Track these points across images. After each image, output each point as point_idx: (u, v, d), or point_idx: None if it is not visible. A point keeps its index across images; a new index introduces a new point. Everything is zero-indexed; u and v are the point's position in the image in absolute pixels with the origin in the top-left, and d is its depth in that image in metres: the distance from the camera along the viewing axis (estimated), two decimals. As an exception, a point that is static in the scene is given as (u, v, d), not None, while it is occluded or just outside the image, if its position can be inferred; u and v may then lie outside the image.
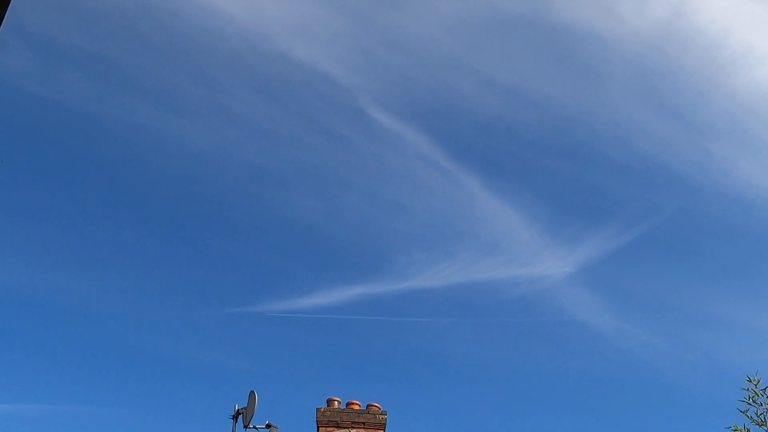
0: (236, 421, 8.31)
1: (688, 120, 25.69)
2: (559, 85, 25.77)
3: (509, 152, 26.63)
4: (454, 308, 27.16)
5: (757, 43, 24.43)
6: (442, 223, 27.33)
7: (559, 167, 26.65)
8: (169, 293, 26.55)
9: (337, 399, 13.20)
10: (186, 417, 24.36)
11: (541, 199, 26.99)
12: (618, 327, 26.38)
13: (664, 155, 26.03)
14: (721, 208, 26.52)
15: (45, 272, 25.17)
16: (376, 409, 13.05)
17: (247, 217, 27.05)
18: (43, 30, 22.46)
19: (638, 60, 25.24)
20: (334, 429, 12.58)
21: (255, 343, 26.27)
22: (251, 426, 8.30)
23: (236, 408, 8.35)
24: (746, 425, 8.51)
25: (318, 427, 12.75)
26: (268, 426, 8.51)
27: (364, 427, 12.65)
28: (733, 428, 6.60)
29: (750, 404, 8.97)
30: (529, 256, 26.44)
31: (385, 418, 12.92)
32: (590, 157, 26.58)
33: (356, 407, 13.07)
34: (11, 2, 5.06)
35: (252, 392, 8.24)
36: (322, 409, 12.93)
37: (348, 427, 12.59)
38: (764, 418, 8.57)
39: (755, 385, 9.19)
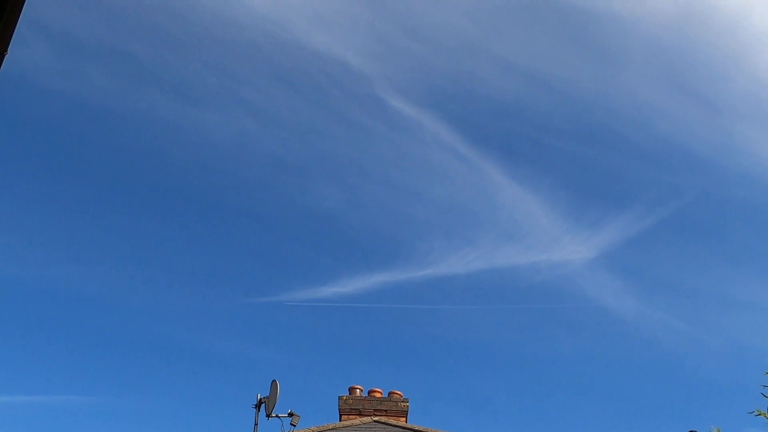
0: (259, 410, 8.36)
1: (709, 101, 25.34)
2: (577, 68, 25.51)
3: (528, 137, 26.42)
4: (475, 295, 27.08)
5: (779, 22, 24.03)
6: (461, 209, 27.22)
7: (579, 151, 26.40)
8: (191, 284, 26.72)
9: (359, 387, 13.25)
10: (209, 407, 24.57)
11: (560, 184, 26.78)
12: (640, 312, 26.19)
13: (684, 137, 25.71)
14: (743, 189, 26.16)
15: (68, 264, 25.42)
16: (398, 396, 13.08)
17: (267, 207, 27.10)
18: (61, 24, 22.55)
19: (657, 41, 24.92)
20: (357, 416, 12.63)
21: (277, 332, 26.41)
22: (274, 415, 8.35)
23: (258, 397, 8.40)
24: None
25: (340, 415, 12.81)
26: (291, 415, 8.55)
27: (386, 415, 12.68)
28: (756, 413, 6.53)
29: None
30: (550, 242, 26.27)
31: (407, 406, 12.94)
32: (610, 140, 26.32)
33: (378, 395, 13.10)
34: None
35: (274, 381, 8.28)
36: (344, 397, 12.98)
37: (370, 415, 12.63)
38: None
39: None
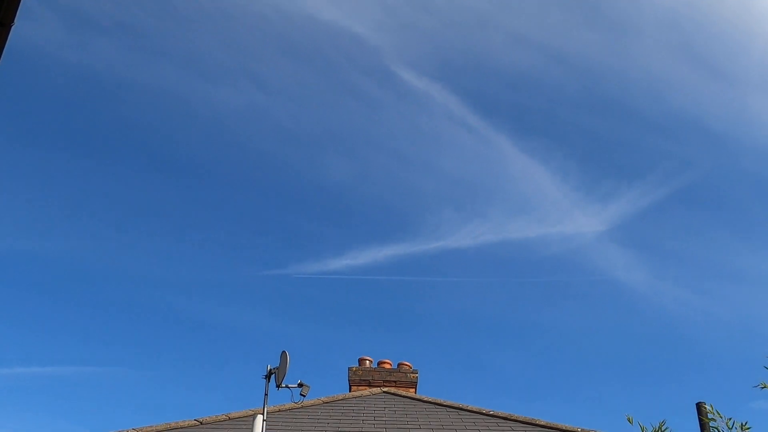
0: (269, 381, 8.44)
1: (722, 73, 25.10)
2: (589, 40, 25.29)
3: (539, 109, 26.29)
4: (486, 267, 27.16)
5: (795, -8, 23.63)
6: (471, 182, 27.20)
7: (590, 124, 26.27)
8: (202, 257, 26.92)
9: (369, 358, 13.34)
10: (221, 378, 24.85)
11: (572, 157, 26.68)
12: (651, 284, 26.19)
13: (697, 110, 25.50)
14: (756, 161, 25.99)
15: (86, 238, 25.65)
16: (407, 367, 13.16)
17: (278, 179, 27.17)
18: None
19: (670, 13, 24.62)
20: (366, 387, 12.74)
21: (288, 304, 26.59)
22: (284, 385, 8.42)
23: (269, 368, 8.47)
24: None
25: (350, 386, 12.92)
26: (300, 385, 8.62)
27: (395, 386, 12.78)
28: (761, 385, 6.52)
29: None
30: (561, 215, 26.24)
31: (417, 377, 13.04)
32: (622, 113, 26.16)
33: (388, 366, 13.20)
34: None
35: (284, 352, 8.34)
36: (354, 368, 13.09)
37: (379, 386, 12.74)
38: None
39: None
